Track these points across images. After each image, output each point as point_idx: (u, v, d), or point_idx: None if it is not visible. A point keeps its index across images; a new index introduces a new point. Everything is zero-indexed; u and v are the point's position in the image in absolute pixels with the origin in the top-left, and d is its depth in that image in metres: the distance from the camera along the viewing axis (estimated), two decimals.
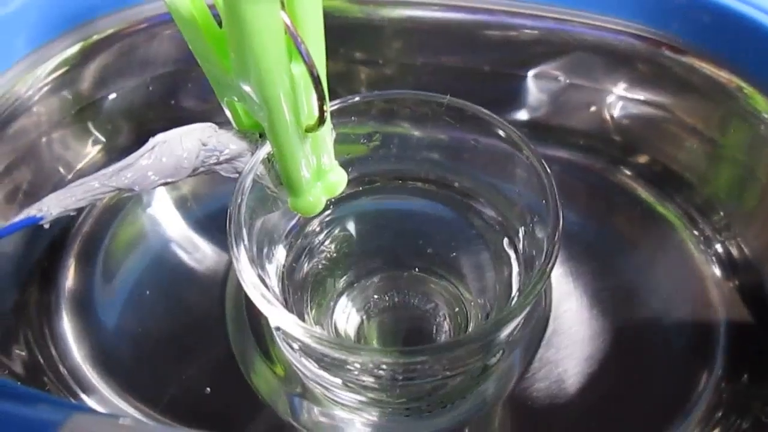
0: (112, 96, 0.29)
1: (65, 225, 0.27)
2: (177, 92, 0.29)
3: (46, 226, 0.17)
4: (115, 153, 0.29)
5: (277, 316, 0.17)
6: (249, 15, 0.15)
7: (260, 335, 0.25)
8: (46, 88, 0.27)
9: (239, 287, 0.25)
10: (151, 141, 0.18)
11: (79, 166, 0.28)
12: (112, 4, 0.27)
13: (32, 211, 0.17)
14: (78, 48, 0.27)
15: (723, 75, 0.25)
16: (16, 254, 0.26)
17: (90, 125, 0.28)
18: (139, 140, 0.19)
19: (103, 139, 0.29)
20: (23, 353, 0.24)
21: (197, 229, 0.28)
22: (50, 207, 0.17)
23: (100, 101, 0.29)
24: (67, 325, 0.26)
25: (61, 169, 0.27)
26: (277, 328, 0.20)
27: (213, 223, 0.28)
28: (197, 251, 0.28)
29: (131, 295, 0.27)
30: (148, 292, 0.27)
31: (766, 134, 0.23)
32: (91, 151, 0.29)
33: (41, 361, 0.24)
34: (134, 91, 0.29)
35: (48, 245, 0.27)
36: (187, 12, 0.18)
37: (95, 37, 0.27)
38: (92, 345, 0.25)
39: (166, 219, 0.28)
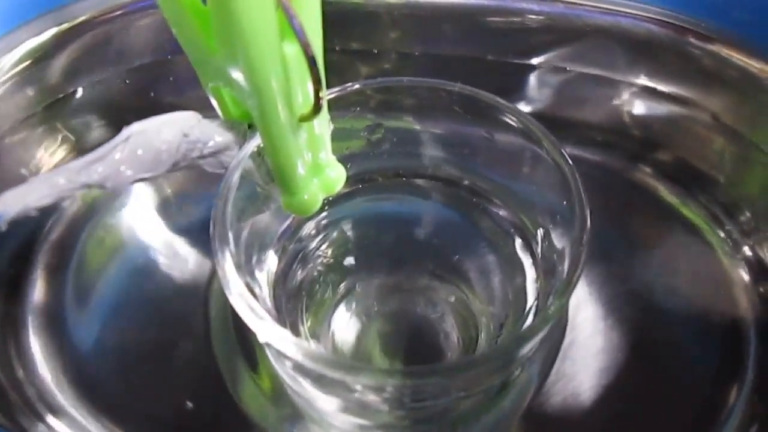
0: (84, 90, 0.26)
1: (32, 229, 0.25)
2: (156, 85, 0.27)
3: (3, 227, 0.15)
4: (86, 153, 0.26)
5: (266, 331, 0.15)
6: None
7: (248, 348, 0.23)
8: (10, 82, 0.25)
9: (225, 296, 0.23)
10: (125, 131, 0.16)
11: (45, 169, 0.26)
12: None
13: None
14: (47, 36, 0.25)
15: (754, 65, 0.23)
16: None
17: (58, 123, 0.26)
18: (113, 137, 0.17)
19: (73, 138, 0.26)
20: None
21: (178, 232, 0.26)
22: (7, 205, 0.15)
23: (70, 96, 0.26)
24: (34, 341, 0.23)
25: (25, 173, 0.25)
26: (267, 345, 0.18)
27: (195, 225, 0.26)
28: (177, 257, 0.25)
29: (106, 307, 0.24)
30: (123, 303, 0.24)
31: None
32: (59, 152, 0.26)
33: (4, 381, 0.22)
34: (109, 84, 0.27)
35: (13, 252, 0.24)
36: None
37: (65, 25, 0.25)
38: (63, 363, 0.23)
39: (143, 221, 0.26)
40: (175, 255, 0.25)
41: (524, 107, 0.27)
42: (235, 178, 0.17)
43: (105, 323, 0.24)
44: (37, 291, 0.24)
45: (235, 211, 0.17)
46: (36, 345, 0.23)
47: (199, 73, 0.18)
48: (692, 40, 0.24)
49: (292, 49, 0.15)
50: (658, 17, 0.24)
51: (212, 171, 0.18)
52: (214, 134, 0.17)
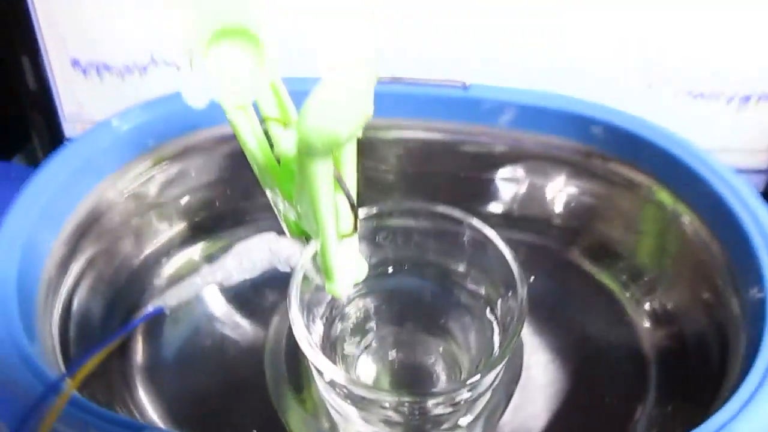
0: (183, 199, 0.36)
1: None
2: (247, 205, 0.37)
3: (167, 312, 0.24)
4: (177, 247, 0.36)
5: (325, 366, 0.25)
6: (313, 168, 0.23)
7: (298, 386, 0.32)
8: (128, 194, 0.34)
9: (277, 354, 0.33)
10: (236, 247, 0.26)
11: (148, 251, 0.35)
12: (184, 128, 0.35)
13: (157, 303, 0.24)
14: (153, 161, 0.34)
15: (638, 176, 0.33)
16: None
17: (159, 222, 0.35)
18: (206, 237, 0.26)
19: (171, 234, 0.36)
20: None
21: (240, 307, 0.35)
22: (168, 300, 0.25)
23: (172, 203, 0.36)
24: (140, 388, 0.32)
25: (137, 258, 0.34)
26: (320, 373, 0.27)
27: (254, 301, 0.35)
28: (239, 327, 0.34)
29: (190, 364, 0.33)
30: (201, 360, 0.33)
31: (670, 218, 0.32)
32: (156, 243, 0.36)
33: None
34: (200, 196, 0.36)
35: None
36: (262, 159, 0.26)
37: (169, 151, 0.34)
38: (161, 405, 0.32)
39: (215, 297, 0.35)
40: (237, 325, 0.34)
41: (489, 207, 0.37)
42: (301, 272, 0.27)
43: (187, 375, 0.32)
44: (140, 353, 0.33)
45: (301, 292, 0.27)
46: (141, 390, 0.32)
47: (276, 208, 0.28)
48: (597, 161, 0.34)
49: (339, 198, 0.25)
50: (575, 146, 0.34)
51: (283, 270, 0.28)
52: (286, 246, 0.27)
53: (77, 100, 0.53)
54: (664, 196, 0.32)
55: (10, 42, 0.51)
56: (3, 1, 0.49)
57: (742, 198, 0.28)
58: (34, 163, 0.56)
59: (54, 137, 0.54)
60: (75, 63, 0.51)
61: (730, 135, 0.45)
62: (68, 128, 0.54)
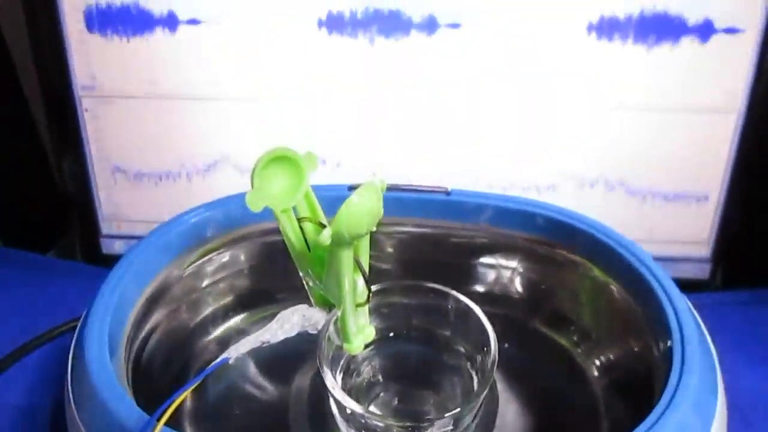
0: (232, 279, 0.44)
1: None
2: (284, 284, 0.44)
3: (231, 361, 0.33)
4: (222, 317, 0.44)
5: (350, 402, 0.33)
6: (341, 254, 0.32)
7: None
8: (189, 272, 0.42)
9: (300, 407, 0.40)
10: (279, 315, 0.35)
11: (200, 318, 0.43)
12: (235, 223, 0.43)
13: (224, 355, 0.33)
14: (211, 247, 0.43)
15: (577, 258, 0.41)
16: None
17: (211, 296, 0.44)
18: (247, 310, 0.36)
19: (219, 305, 0.44)
20: None
21: (271, 365, 0.42)
22: (231, 353, 0.33)
23: (223, 281, 0.44)
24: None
25: (193, 321, 0.43)
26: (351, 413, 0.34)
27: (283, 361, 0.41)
28: (270, 383, 0.42)
29: (227, 413, 0.40)
30: (237, 411, 0.40)
31: (603, 289, 0.40)
32: (208, 311, 0.44)
33: None
34: (246, 277, 0.45)
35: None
36: (299, 248, 0.35)
37: (224, 240, 0.43)
38: None
39: (248, 358, 0.43)
40: (267, 382, 0.42)
41: (471, 286, 0.45)
42: (326, 335, 0.36)
43: (226, 423, 0.39)
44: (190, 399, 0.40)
45: (325, 350, 0.35)
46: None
47: (307, 285, 0.37)
48: (544, 247, 0.42)
49: (358, 277, 0.34)
50: (528, 238, 0.42)
51: (312, 332, 0.36)
52: (315, 314, 0.36)
53: (115, 202, 0.62)
54: (597, 272, 0.40)
55: (58, 148, 0.59)
56: (57, 116, 0.57)
57: (652, 271, 0.36)
58: (70, 257, 0.63)
59: (91, 233, 0.61)
60: (116, 169, 0.60)
61: (671, 229, 0.56)
62: (105, 226, 0.62)
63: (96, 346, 0.33)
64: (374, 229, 0.31)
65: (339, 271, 0.32)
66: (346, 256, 0.32)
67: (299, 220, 0.34)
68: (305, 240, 0.35)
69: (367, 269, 0.34)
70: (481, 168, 0.55)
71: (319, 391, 0.40)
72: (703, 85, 0.51)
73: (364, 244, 0.34)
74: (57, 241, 0.65)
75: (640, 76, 0.51)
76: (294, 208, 0.34)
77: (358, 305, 0.35)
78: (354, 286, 0.34)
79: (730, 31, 0.50)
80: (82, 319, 0.36)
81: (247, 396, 0.40)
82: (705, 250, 0.57)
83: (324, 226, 0.33)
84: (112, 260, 0.38)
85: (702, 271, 0.58)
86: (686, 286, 0.38)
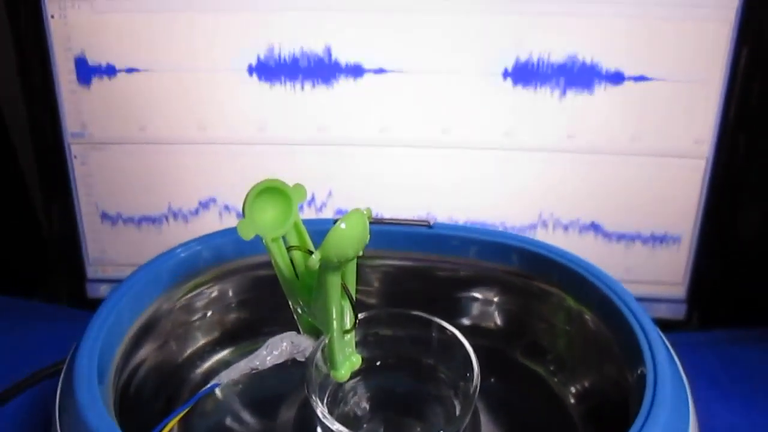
0: (221, 312, 0.45)
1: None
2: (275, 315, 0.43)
3: (218, 390, 0.34)
4: (210, 350, 0.45)
5: (339, 427, 0.34)
6: (329, 279, 0.33)
7: None
8: (179, 305, 0.43)
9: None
10: (268, 342, 0.36)
11: (190, 351, 0.44)
12: (225, 257, 0.44)
13: (214, 380, 0.34)
14: (201, 281, 0.43)
15: (553, 290, 0.42)
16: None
17: (200, 330, 0.45)
18: (235, 343, 0.37)
19: (208, 338, 0.45)
20: None
21: (257, 396, 0.43)
22: (222, 379, 0.34)
23: (212, 314, 0.45)
24: None
25: (181, 355, 0.43)
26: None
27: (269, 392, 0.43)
28: (255, 415, 0.42)
29: None
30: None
31: (577, 318, 0.41)
32: (197, 344, 0.45)
33: None
34: (235, 310, 0.46)
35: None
36: (288, 275, 0.36)
37: (213, 274, 0.44)
38: None
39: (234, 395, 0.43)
40: (258, 408, 0.42)
41: (456, 318, 0.46)
42: (314, 362, 0.37)
43: None
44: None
45: (314, 377, 0.36)
46: None
47: (294, 313, 0.38)
48: (521, 278, 0.44)
49: (345, 303, 0.36)
50: (507, 270, 0.44)
51: (300, 359, 0.37)
52: (303, 341, 0.37)
53: (101, 247, 0.62)
54: (571, 302, 0.41)
55: (47, 194, 0.60)
56: (46, 163, 0.59)
57: (624, 300, 0.38)
58: (55, 301, 0.63)
59: (77, 278, 0.62)
60: (103, 214, 0.61)
61: (647, 270, 0.59)
62: (90, 271, 0.63)
63: (85, 377, 0.33)
64: (361, 253, 0.33)
65: (327, 296, 0.34)
66: (334, 282, 0.33)
67: (288, 249, 0.36)
68: (294, 268, 0.36)
69: (354, 295, 0.36)
70: (455, 210, 0.57)
71: (306, 421, 0.40)
72: (673, 131, 0.54)
73: (351, 270, 0.35)
74: (42, 286, 0.65)
75: (615, 120, 0.54)
76: (284, 238, 0.36)
77: (346, 332, 0.36)
78: (341, 312, 0.35)
79: (696, 81, 0.53)
80: (71, 352, 0.37)
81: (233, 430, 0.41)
82: (680, 292, 0.59)
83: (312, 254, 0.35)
84: (97, 304, 0.39)
85: (678, 312, 0.60)
86: (663, 326, 0.39)
